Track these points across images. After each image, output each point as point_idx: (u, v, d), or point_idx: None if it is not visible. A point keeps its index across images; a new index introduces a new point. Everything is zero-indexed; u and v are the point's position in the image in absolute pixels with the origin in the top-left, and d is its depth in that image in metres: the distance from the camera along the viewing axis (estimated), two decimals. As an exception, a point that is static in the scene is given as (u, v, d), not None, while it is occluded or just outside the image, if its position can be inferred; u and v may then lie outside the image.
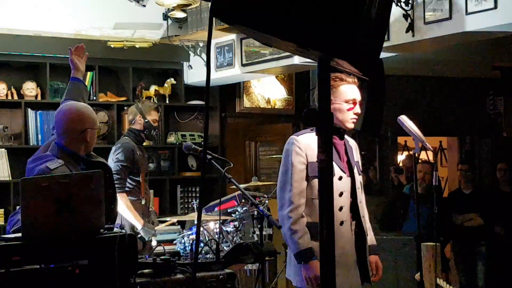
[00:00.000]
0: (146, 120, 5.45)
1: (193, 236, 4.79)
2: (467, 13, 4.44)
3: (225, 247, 4.66)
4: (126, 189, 5.26)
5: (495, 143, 9.16)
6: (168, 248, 4.11)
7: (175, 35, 6.59)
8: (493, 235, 6.62)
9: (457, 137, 9.53)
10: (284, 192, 3.50)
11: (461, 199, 6.78)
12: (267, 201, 5.32)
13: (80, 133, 3.49)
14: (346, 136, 3.66)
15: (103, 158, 3.83)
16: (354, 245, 3.53)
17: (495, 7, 4.29)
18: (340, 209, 3.45)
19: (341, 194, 3.46)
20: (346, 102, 3.48)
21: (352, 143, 3.69)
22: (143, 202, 5.37)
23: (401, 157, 9.58)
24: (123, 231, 2.92)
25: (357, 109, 3.50)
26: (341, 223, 3.44)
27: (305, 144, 3.49)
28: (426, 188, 6.45)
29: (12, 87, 6.32)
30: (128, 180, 5.29)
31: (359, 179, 3.60)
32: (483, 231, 6.61)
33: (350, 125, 3.52)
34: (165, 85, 6.95)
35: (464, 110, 9.11)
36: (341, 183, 3.46)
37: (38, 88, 6.39)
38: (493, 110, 9.02)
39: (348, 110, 3.48)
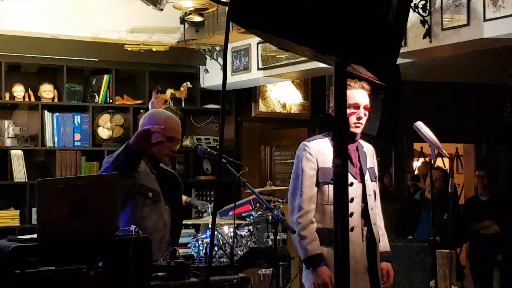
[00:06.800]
0: None
1: (208, 240, 4.78)
2: (485, 20, 4.41)
3: (239, 251, 4.65)
4: None
5: (511, 150, 9.09)
6: (182, 251, 4.11)
7: (192, 39, 6.60)
8: (509, 243, 6.56)
9: (474, 144, 9.47)
10: (294, 198, 3.50)
11: (478, 206, 6.72)
12: (281, 206, 5.31)
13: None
14: (361, 142, 3.64)
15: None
16: (365, 252, 3.51)
17: (513, 13, 4.27)
18: (351, 215, 3.43)
19: (351, 200, 3.45)
20: (347, 107, 3.43)
21: (367, 148, 3.66)
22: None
23: (417, 164, 9.53)
24: (138, 234, 2.92)
25: (361, 114, 3.46)
26: (352, 229, 3.43)
27: (316, 149, 3.48)
28: (438, 194, 6.39)
29: (29, 89, 6.35)
30: None
31: (371, 185, 3.57)
32: (499, 239, 6.55)
33: (354, 130, 3.49)
34: (181, 88, 6.96)
35: (480, 117, 9.04)
36: (351, 189, 3.44)
37: (55, 90, 6.43)
38: (510, 117, 8.94)
39: (350, 114, 3.44)
